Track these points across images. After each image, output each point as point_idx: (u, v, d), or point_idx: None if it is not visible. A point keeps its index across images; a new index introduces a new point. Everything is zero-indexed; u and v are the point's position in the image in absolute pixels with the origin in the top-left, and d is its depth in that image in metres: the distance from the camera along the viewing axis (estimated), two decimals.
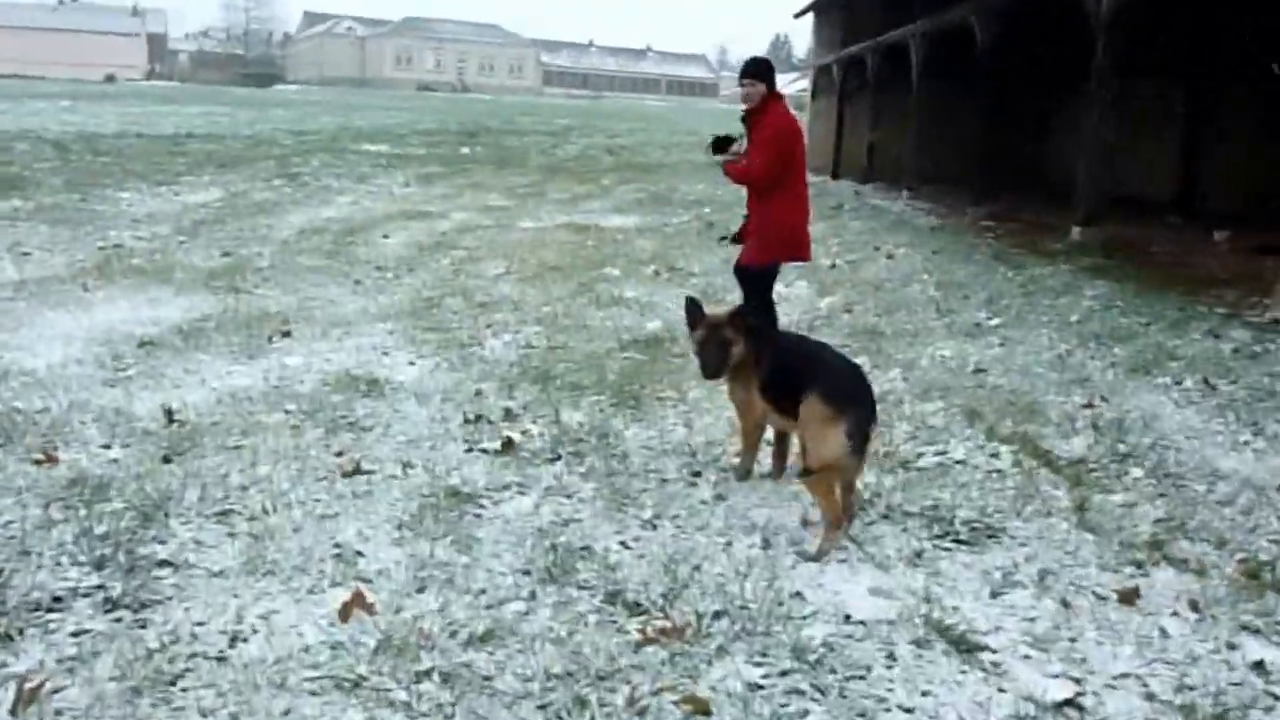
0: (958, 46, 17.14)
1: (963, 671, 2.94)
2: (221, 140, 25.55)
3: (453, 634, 3.03)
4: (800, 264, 6.90)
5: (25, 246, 9.92)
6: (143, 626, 3.02)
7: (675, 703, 2.72)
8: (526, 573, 3.46)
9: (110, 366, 5.86)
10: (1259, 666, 3.00)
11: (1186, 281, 10.09)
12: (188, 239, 11.03)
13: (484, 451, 4.65)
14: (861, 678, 2.89)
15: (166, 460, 4.36)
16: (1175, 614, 3.31)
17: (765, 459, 4.50)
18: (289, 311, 7.53)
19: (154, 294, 8.04)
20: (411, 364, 6.21)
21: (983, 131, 17.49)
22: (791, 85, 44.78)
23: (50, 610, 3.08)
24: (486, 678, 2.82)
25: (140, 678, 2.74)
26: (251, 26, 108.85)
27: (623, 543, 3.75)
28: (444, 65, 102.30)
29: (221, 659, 2.86)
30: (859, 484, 4.00)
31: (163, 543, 3.57)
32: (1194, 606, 3.35)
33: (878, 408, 4.01)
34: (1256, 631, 3.21)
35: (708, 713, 2.69)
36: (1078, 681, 2.89)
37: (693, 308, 4.27)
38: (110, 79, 73.58)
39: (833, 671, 2.91)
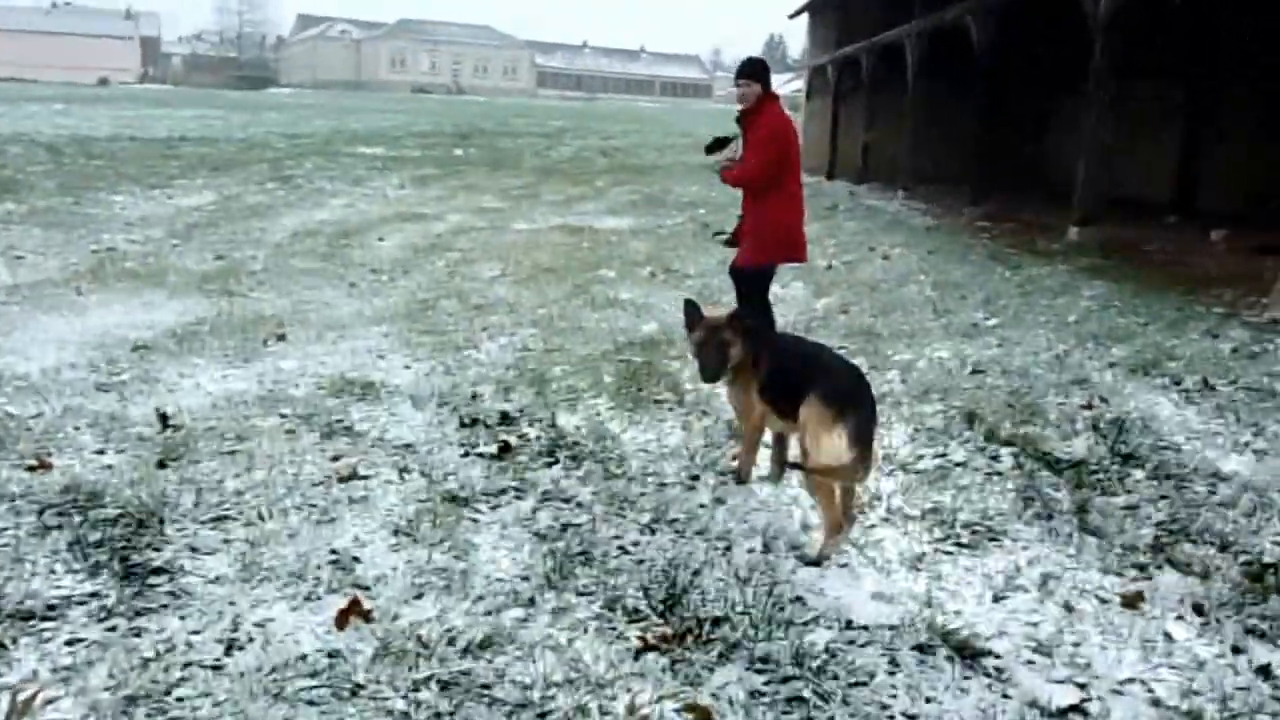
0: (954, 46, 17.16)
1: (966, 678, 2.91)
2: (215, 143, 25.48)
3: (451, 641, 2.99)
4: (796, 265, 6.88)
5: (18, 250, 9.88)
6: (138, 635, 2.98)
7: (677, 710, 2.70)
8: (525, 578, 3.43)
9: (104, 371, 5.82)
10: (1265, 671, 2.97)
11: (1184, 281, 10.09)
12: (181, 242, 10.99)
13: (481, 455, 4.62)
14: (864, 684, 2.86)
15: (161, 466, 4.33)
16: (1180, 618, 3.28)
17: (764, 462, 4.47)
18: (283, 315, 7.49)
19: (148, 298, 8.00)
20: (407, 367, 6.18)
21: (979, 132, 17.48)
22: (786, 86, 44.81)
23: (44, 619, 3.04)
24: (485, 686, 2.79)
25: (135, 687, 2.70)
26: (245, 29, 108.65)
27: (621, 547, 3.72)
28: (438, 67, 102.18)
29: (217, 668, 2.83)
30: (859, 489, 3.97)
31: (158, 550, 3.53)
32: (1198, 610, 3.32)
33: (877, 409, 3.98)
34: (1262, 636, 3.18)
35: None
36: (1082, 687, 2.87)
37: (691, 310, 4.24)
38: (104, 82, 73.42)
39: (835, 678, 2.88)
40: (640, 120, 52.99)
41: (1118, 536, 3.91)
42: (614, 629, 3.12)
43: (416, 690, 2.75)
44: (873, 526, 3.97)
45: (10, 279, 8.48)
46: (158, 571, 3.37)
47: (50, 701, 2.64)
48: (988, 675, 2.93)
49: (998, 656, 3.02)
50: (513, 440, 4.79)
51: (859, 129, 23.38)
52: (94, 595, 3.19)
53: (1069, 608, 3.34)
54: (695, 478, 4.45)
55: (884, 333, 7.54)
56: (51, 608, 3.11)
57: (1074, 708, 2.77)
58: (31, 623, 3.02)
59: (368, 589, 3.31)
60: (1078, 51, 13.27)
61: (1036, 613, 3.32)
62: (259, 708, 2.65)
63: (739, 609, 3.22)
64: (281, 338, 6.74)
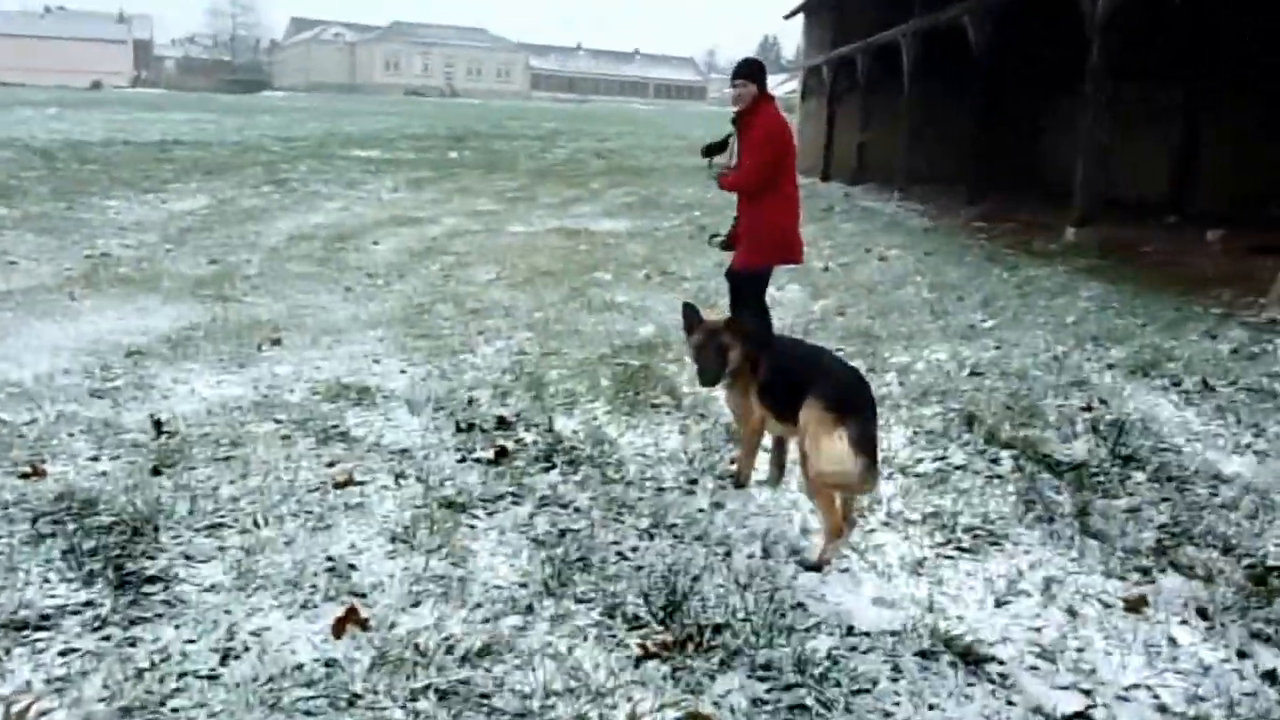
0: (950, 46, 17.14)
1: (970, 684, 2.89)
2: (208, 147, 25.40)
3: (449, 649, 2.96)
4: (792, 267, 6.85)
5: (12, 256, 9.84)
6: (132, 645, 2.95)
7: (678, 719, 2.66)
8: (523, 585, 3.39)
9: (98, 377, 5.78)
10: (1271, 676, 2.94)
11: (1182, 282, 10.08)
12: (175, 247, 10.96)
13: (478, 461, 4.59)
14: (867, 691, 2.83)
15: (156, 472, 4.29)
16: (1184, 622, 3.26)
17: (763, 466, 4.43)
18: (278, 319, 7.46)
19: (142, 303, 7.96)
20: (403, 372, 6.14)
21: (976, 132, 17.47)
22: (780, 87, 44.82)
23: (38, 629, 3.01)
24: (484, 695, 2.76)
25: (130, 698, 2.67)
26: (238, 32, 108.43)
27: (620, 553, 3.68)
28: (432, 70, 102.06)
29: (213, 678, 2.79)
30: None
31: (152, 558, 3.49)
32: (1203, 614, 3.30)
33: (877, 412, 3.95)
34: (1268, 640, 3.15)
35: None
36: (1088, 693, 2.84)
37: (689, 313, 4.21)
38: (96, 86, 73.12)
39: (837, 685, 2.85)
40: (634, 122, 52.95)
41: (1120, 540, 3.88)
42: (614, 636, 3.08)
43: (414, 700, 2.72)
44: (873, 531, 3.95)
45: (3, 284, 8.43)
46: (152, 580, 3.34)
47: (45, 713, 2.61)
48: (991, 682, 2.90)
49: (1001, 662, 3.00)
50: (509, 445, 4.76)
51: (854, 130, 23.36)
52: (88, 604, 3.15)
53: (1072, 612, 3.32)
54: (694, 482, 4.42)
55: (882, 335, 7.52)
56: (45, 617, 3.07)
57: (1079, 714, 2.74)
58: (25, 633, 2.98)
59: (364, 597, 3.27)
60: (1075, 52, 13.26)
61: (1039, 617, 3.29)
62: (255, 718, 2.62)
63: (740, 615, 3.19)
64: (276, 343, 6.70)
